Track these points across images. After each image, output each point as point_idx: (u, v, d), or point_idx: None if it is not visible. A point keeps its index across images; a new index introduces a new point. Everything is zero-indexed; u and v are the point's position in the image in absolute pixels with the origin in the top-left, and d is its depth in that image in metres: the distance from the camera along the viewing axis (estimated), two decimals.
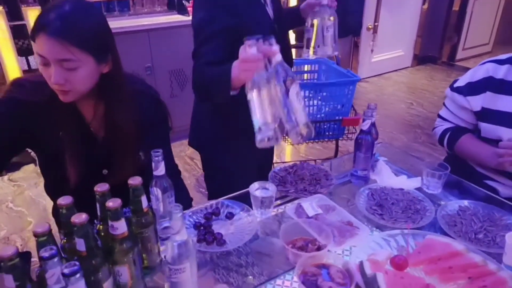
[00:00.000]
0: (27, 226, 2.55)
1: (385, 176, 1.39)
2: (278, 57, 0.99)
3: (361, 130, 1.32)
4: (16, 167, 3.15)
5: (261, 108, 0.98)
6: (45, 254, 0.69)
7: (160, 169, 1.05)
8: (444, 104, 1.58)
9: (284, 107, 0.99)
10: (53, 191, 1.37)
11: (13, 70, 3.01)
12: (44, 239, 0.76)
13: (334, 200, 1.26)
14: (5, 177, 3.03)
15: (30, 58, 3.91)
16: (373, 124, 1.32)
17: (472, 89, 1.44)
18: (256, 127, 0.99)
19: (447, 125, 1.55)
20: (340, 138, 2.08)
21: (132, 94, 1.21)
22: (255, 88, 0.98)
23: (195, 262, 0.88)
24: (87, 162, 1.19)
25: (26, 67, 3.28)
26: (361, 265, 0.94)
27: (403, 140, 3.64)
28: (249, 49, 0.99)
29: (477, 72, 1.44)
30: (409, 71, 5.46)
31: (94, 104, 1.18)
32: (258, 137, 0.99)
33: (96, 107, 1.19)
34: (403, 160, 1.55)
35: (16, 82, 1.17)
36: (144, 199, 0.92)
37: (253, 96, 0.99)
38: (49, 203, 1.42)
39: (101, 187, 0.87)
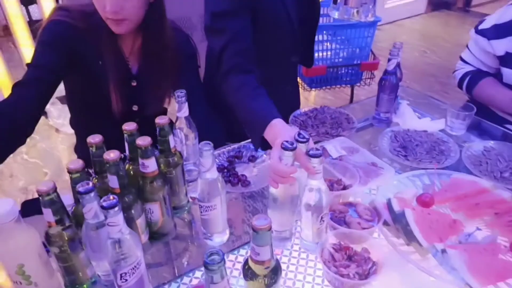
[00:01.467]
0: (43, 177, 2.59)
1: (408, 119, 1.36)
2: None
3: (386, 71, 1.28)
4: None
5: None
6: (82, 188, 0.69)
7: (183, 111, 1.03)
8: (467, 46, 1.53)
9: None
10: (81, 125, 1.39)
11: (17, 19, 2.93)
12: (78, 175, 0.76)
13: (357, 143, 1.25)
14: None
15: (31, 8, 3.79)
16: (398, 65, 1.28)
17: (498, 32, 1.37)
18: None
19: (468, 68, 1.51)
20: (357, 84, 2.03)
21: (170, 28, 1.24)
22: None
23: (225, 200, 0.89)
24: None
25: (27, 18, 3.19)
26: (389, 202, 0.94)
27: (417, 89, 3.56)
28: (284, 159, 0.80)
29: (506, 13, 1.37)
30: (423, 18, 5.26)
31: (133, 37, 1.21)
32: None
33: (135, 41, 1.22)
34: (425, 103, 1.51)
35: (62, 7, 1.18)
36: (171, 138, 0.91)
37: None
38: (63, 155, 1.44)
39: (130, 126, 0.86)
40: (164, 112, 1.47)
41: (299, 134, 0.82)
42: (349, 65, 1.86)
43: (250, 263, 0.65)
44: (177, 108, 1.03)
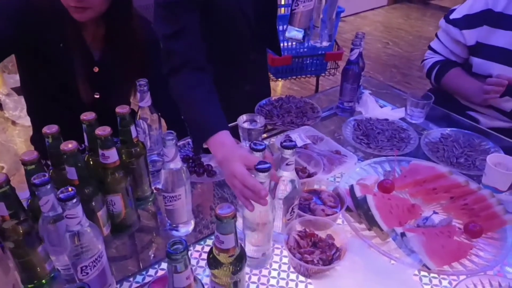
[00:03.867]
0: (17, 160, 2.47)
1: (370, 108, 1.40)
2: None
3: (349, 60, 1.30)
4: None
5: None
6: (37, 180, 0.66)
7: (146, 100, 1.01)
8: (436, 35, 1.55)
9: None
10: (38, 114, 1.35)
11: None
12: (33, 167, 0.72)
13: (321, 132, 1.27)
14: None
15: None
16: (360, 54, 1.30)
17: (469, 21, 1.39)
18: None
19: (437, 57, 1.54)
20: (322, 74, 2.06)
21: (136, 16, 1.22)
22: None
23: (190, 189, 0.88)
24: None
25: None
26: (351, 189, 0.96)
27: (379, 79, 3.66)
28: (254, 174, 0.75)
29: (476, 3, 1.39)
30: (385, 10, 5.38)
31: (96, 24, 1.18)
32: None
33: (98, 28, 1.19)
34: (387, 93, 1.56)
35: None
36: (133, 129, 0.89)
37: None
38: (20, 148, 1.38)
39: (88, 116, 0.83)
40: (127, 102, 1.44)
41: (255, 143, 0.80)
42: (314, 55, 1.88)
43: (215, 251, 0.65)
44: (139, 98, 1.00)
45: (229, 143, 0.90)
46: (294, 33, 1.02)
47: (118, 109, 0.86)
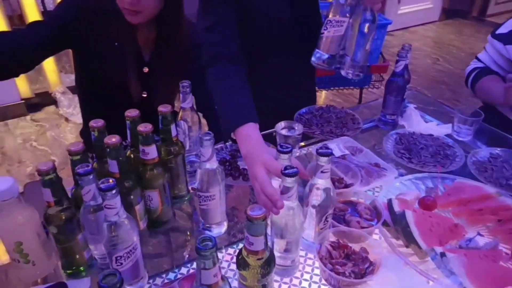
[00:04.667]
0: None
1: (414, 122, 1.35)
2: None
3: (394, 72, 1.27)
4: (38, 107, 3.19)
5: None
6: (81, 170, 0.69)
7: (187, 101, 1.03)
8: (484, 47, 1.56)
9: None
10: (89, 109, 1.42)
11: (32, 9, 2.96)
12: (78, 157, 0.76)
13: (362, 144, 1.24)
14: (28, 117, 3.08)
15: None
16: (406, 67, 1.26)
17: None
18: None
19: (479, 64, 1.54)
20: (366, 87, 2.02)
21: (186, 21, 1.28)
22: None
23: (224, 191, 0.89)
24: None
25: (41, 8, 3.21)
26: (389, 203, 0.93)
27: (427, 95, 3.55)
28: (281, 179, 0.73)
29: None
30: (436, 25, 5.21)
31: (149, 27, 1.24)
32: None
33: (150, 30, 1.25)
34: (434, 109, 1.50)
35: None
36: (173, 127, 0.91)
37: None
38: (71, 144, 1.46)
39: (132, 112, 0.86)
40: (172, 103, 1.49)
41: (281, 145, 0.79)
42: None
43: (244, 252, 0.65)
44: (181, 99, 1.03)
45: (254, 138, 0.91)
46: (319, 57, 0.98)
47: (161, 108, 0.89)
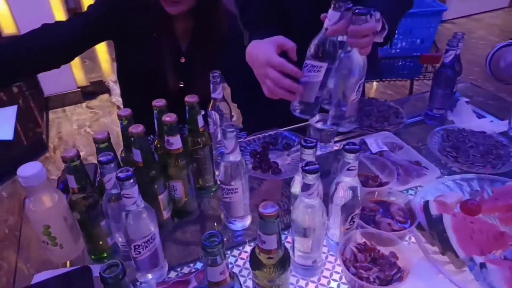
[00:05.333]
0: None
1: (465, 117, 1.24)
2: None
3: (443, 63, 1.17)
4: (93, 95, 3.37)
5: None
6: (103, 158, 0.70)
7: (218, 92, 1.02)
8: None
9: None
10: (127, 98, 1.46)
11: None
12: (103, 145, 0.78)
13: (404, 140, 1.16)
14: (84, 104, 3.26)
15: None
16: (457, 57, 1.16)
17: None
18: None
19: None
20: (416, 78, 1.89)
21: (223, 11, 1.27)
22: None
23: (247, 184, 0.87)
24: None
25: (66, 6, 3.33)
26: (426, 205, 0.86)
27: (488, 89, 3.27)
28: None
29: None
30: (505, 12, 4.78)
31: (187, 18, 1.24)
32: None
33: (188, 21, 1.25)
34: (491, 102, 1.37)
35: None
36: (200, 118, 0.90)
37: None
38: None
39: (159, 102, 0.87)
40: (207, 93, 1.49)
41: (305, 140, 0.74)
42: (407, 56, 1.73)
43: (257, 250, 0.62)
44: (212, 89, 1.02)
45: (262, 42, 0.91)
46: (293, 106, 0.93)
47: (187, 98, 0.88)
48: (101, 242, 0.81)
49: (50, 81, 3.10)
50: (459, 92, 1.37)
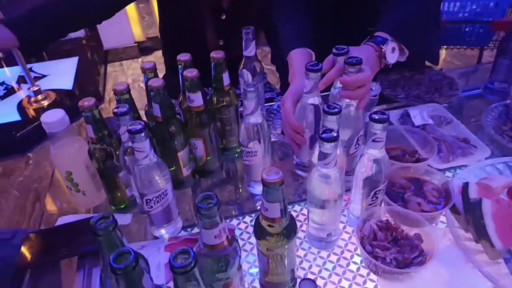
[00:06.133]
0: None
1: None
2: None
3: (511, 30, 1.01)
4: (149, 51, 3.44)
5: None
6: (118, 110, 0.69)
7: (250, 49, 0.96)
8: None
9: None
10: (168, 55, 1.44)
11: None
12: (123, 97, 0.77)
13: (454, 114, 1.04)
14: (139, 59, 3.34)
15: None
16: None
17: None
18: None
19: None
20: (485, 47, 1.69)
21: None
22: None
23: (269, 148, 0.83)
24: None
25: None
26: (465, 187, 0.77)
27: None
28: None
29: None
30: None
31: None
32: None
33: None
34: None
35: None
36: (225, 76, 0.86)
37: None
38: None
39: (183, 57, 0.84)
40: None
41: (328, 105, 0.67)
42: (476, 21, 1.53)
43: (260, 218, 0.59)
44: (244, 46, 0.96)
45: (295, 66, 0.89)
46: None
47: (213, 54, 0.84)
48: (119, 193, 0.83)
49: (109, 35, 3.20)
50: None
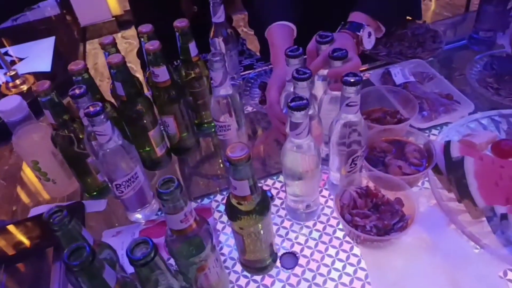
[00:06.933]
0: None
1: None
2: None
3: None
4: (129, 24, 3.31)
5: None
6: (75, 92, 0.65)
7: (219, 15, 0.90)
8: None
9: None
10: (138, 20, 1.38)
11: None
12: (81, 77, 0.72)
13: (438, 69, 1.00)
14: (119, 34, 3.22)
15: None
16: None
17: None
18: None
19: None
20: None
21: None
22: None
23: (243, 121, 0.79)
24: None
25: None
26: (447, 145, 0.74)
27: None
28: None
29: None
30: None
31: None
32: None
33: None
34: None
35: None
36: (192, 46, 0.81)
37: None
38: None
39: (145, 28, 0.78)
40: (229, 20, 1.36)
41: (298, 71, 0.62)
42: None
43: (231, 197, 0.56)
44: (212, 12, 0.90)
45: (277, 43, 0.84)
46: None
47: (176, 23, 0.78)
48: (90, 180, 0.79)
49: (85, 11, 3.07)
50: None
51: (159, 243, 0.65)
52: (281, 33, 0.86)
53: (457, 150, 0.73)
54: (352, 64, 0.70)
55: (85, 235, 0.50)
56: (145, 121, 0.78)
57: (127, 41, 3.14)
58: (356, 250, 0.68)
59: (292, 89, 0.66)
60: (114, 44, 0.77)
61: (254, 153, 0.90)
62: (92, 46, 3.14)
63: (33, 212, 0.80)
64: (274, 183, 0.82)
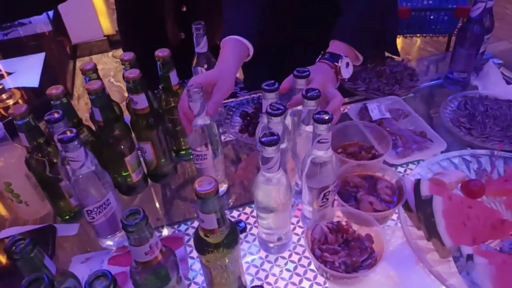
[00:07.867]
0: (124, 101, 2.76)
1: (491, 82, 1.08)
2: None
3: (469, 18, 1.00)
4: (119, 44, 3.34)
5: None
6: (51, 117, 0.65)
7: (202, 45, 0.93)
8: None
9: None
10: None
11: None
12: (58, 102, 0.72)
13: (414, 107, 1.03)
14: (110, 53, 3.25)
15: None
16: (488, 10, 0.98)
17: None
18: None
19: None
20: (453, 34, 1.68)
21: None
22: None
23: (220, 150, 0.80)
24: None
25: None
26: (417, 184, 0.75)
27: None
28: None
29: None
30: None
31: None
32: None
33: None
34: None
35: None
36: (173, 75, 0.83)
37: None
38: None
39: (127, 56, 0.80)
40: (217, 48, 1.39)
41: (272, 105, 0.63)
42: (441, 9, 1.52)
43: (199, 230, 0.56)
44: (195, 43, 0.93)
45: (223, 54, 0.85)
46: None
47: (158, 53, 0.80)
48: (63, 204, 0.79)
49: (77, 29, 3.10)
50: (492, 52, 1.19)
51: (127, 271, 0.65)
52: (232, 45, 0.87)
53: (426, 189, 0.74)
54: (337, 101, 0.74)
55: (47, 264, 0.49)
56: (122, 147, 0.79)
57: (117, 61, 3.16)
58: (320, 279, 0.68)
59: (266, 122, 0.67)
60: (95, 70, 0.78)
61: (234, 181, 0.90)
62: (83, 64, 3.15)
63: (3, 234, 0.79)
64: (252, 211, 0.83)
